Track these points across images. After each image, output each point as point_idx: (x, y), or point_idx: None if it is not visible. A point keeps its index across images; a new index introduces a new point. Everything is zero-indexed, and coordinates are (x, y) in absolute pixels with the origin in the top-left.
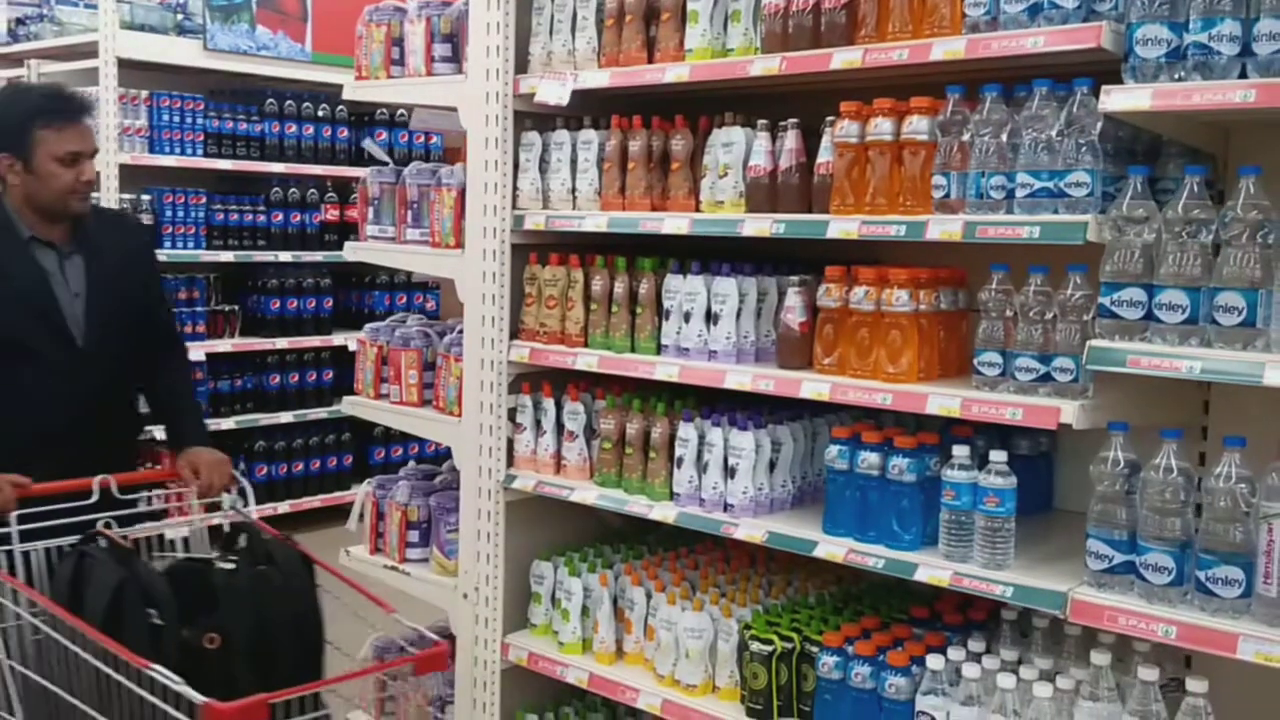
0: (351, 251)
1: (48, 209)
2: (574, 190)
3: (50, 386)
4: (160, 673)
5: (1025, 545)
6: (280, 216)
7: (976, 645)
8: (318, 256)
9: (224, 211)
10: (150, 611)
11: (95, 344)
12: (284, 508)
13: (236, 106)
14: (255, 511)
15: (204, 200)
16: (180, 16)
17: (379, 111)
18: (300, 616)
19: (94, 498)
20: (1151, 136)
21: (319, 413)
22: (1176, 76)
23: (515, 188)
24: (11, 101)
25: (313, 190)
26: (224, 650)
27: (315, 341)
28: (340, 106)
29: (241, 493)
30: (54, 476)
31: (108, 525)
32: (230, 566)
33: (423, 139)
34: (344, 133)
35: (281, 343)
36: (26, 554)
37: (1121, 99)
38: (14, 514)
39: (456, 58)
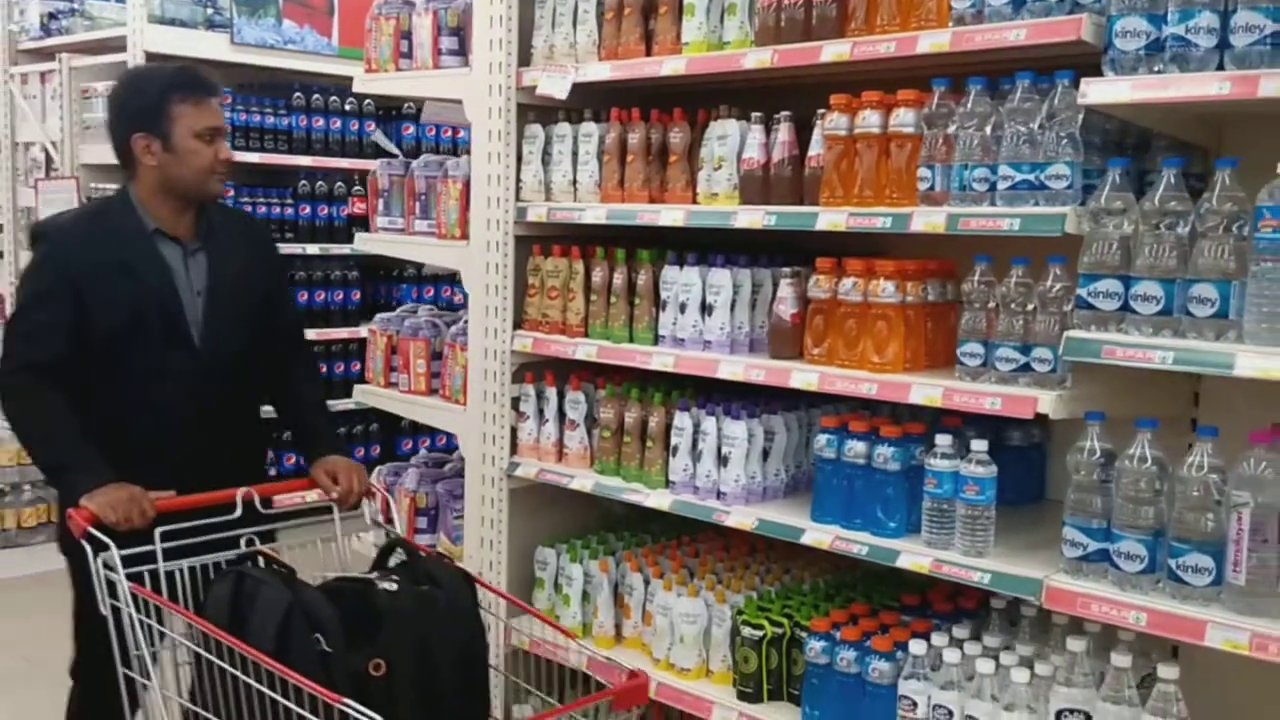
0: (362, 242)
1: (187, 191)
2: (575, 182)
3: (166, 388)
4: (354, 708)
5: (1011, 533)
6: (308, 209)
7: (961, 632)
8: (345, 249)
9: (252, 204)
10: (317, 637)
11: (214, 346)
12: (312, 496)
13: (264, 100)
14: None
15: (232, 193)
16: (210, 10)
17: (406, 105)
18: (466, 642)
19: (238, 512)
20: (1141, 130)
21: (346, 403)
22: (1156, 69)
23: (519, 180)
24: (144, 79)
25: (340, 183)
26: (388, 677)
27: (343, 333)
28: (367, 100)
29: (388, 511)
30: (172, 483)
31: (250, 541)
32: (392, 587)
33: (450, 133)
34: (371, 126)
35: (309, 334)
36: (170, 573)
37: (1101, 91)
38: (158, 531)
39: (463, 51)
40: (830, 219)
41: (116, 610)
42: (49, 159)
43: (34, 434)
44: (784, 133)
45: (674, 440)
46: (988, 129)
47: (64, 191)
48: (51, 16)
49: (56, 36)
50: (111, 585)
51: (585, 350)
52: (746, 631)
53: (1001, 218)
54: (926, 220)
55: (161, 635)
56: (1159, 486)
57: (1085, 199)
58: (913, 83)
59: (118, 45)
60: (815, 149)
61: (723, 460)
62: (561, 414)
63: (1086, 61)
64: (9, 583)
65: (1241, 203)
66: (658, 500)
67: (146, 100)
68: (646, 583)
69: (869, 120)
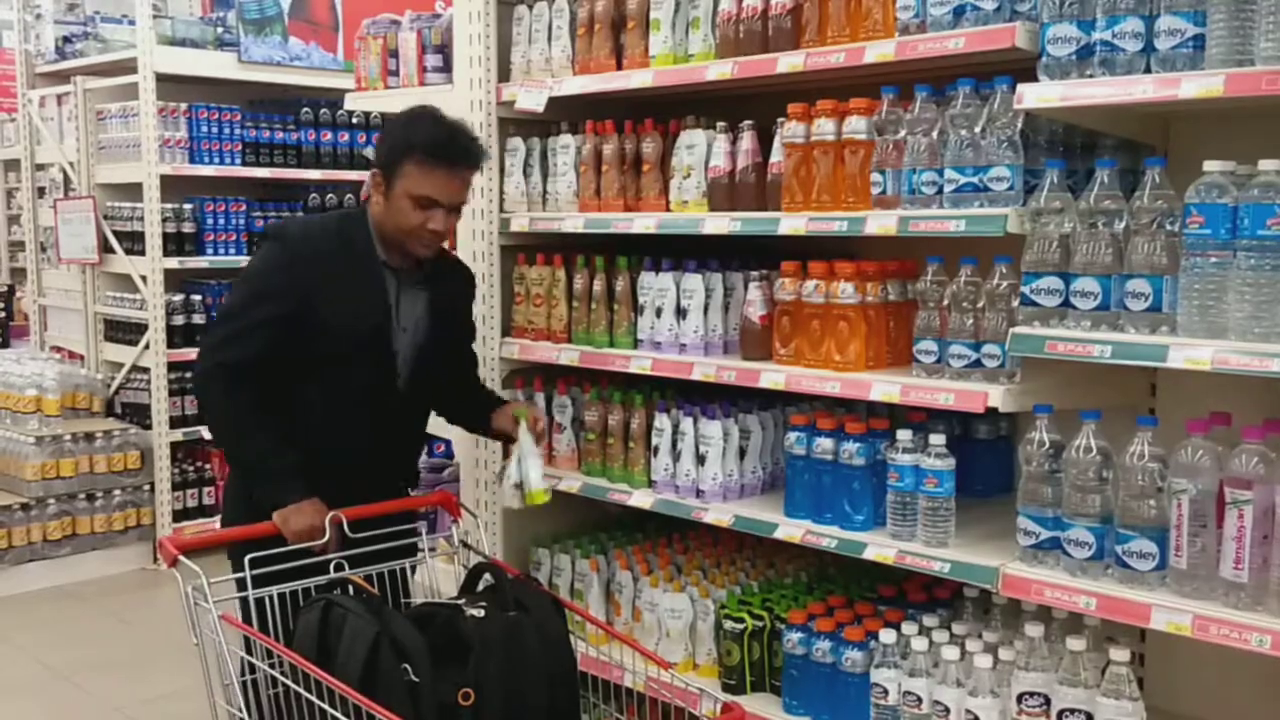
0: None
1: (389, 240)
2: (555, 193)
3: (360, 408)
4: None
5: (976, 524)
6: None
7: (931, 620)
8: None
9: (264, 219)
10: (404, 667)
11: (411, 376)
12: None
13: (273, 116)
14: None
15: (244, 208)
16: (220, 30)
17: None
18: (556, 670)
19: (326, 537)
20: (1089, 130)
21: None
22: (1087, 73)
23: (502, 191)
24: (403, 124)
25: (349, 195)
26: (477, 706)
27: None
28: (374, 114)
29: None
30: (339, 490)
31: (340, 566)
32: (480, 613)
33: None
34: (378, 139)
35: None
36: (260, 600)
37: (1035, 96)
38: (247, 558)
39: (447, 67)
40: (791, 224)
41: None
42: (67, 179)
43: (234, 431)
44: (747, 141)
45: (654, 441)
46: (934, 134)
47: (82, 211)
48: (66, 40)
49: (71, 59)
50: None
51: (569, 355)
52: (729, 625)
53: (948, 219)
54: (880, 224)
55: (252, 666)
56: (1105, 476)
57: (1028, 199)
58: (867, 90)
59: (130, 67)
60: (776, 156)
61: (700, 459)
62: (550, 418)
63: (1025, 67)
64: (34, 594)
65: (1171, 200)
66: (641, 499)
67: (390, 145)
68: (635, 580)
69: (824, 128)
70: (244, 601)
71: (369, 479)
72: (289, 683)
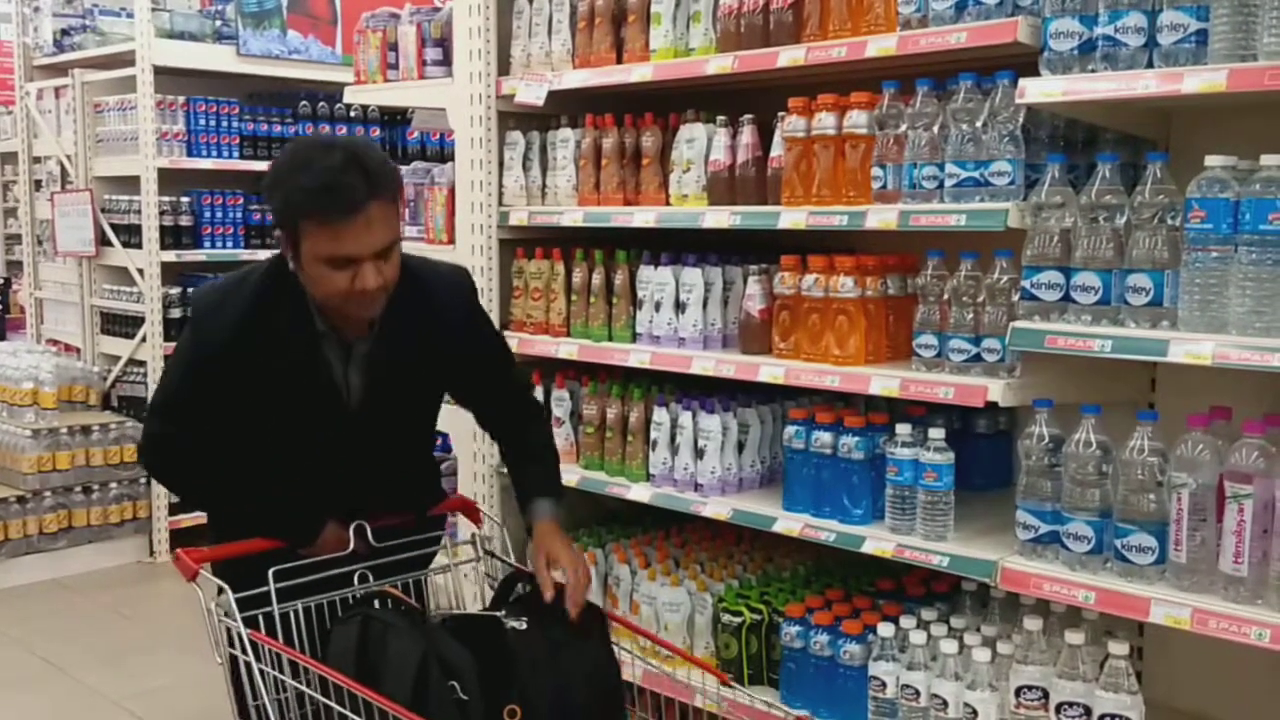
0: None
1: (323, 308)
2: (555, 186)
3: (315, 461)
4: None
5: (975, 518)
6: None
7: (929, 614)
8: None
9: (261, 212)
10: (452, 684)
11: (370, 430)
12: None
13: (271, 109)
14: None
15: (241, 201)
16: (218, 23)
17: (410, 111)
18: (602, 683)
19: (349, 547)
20: (1090, 125)
21: None
22: (1089, 68)
23: (501, 185)
24: (279, 182)
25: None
26: None
27: None
28: (372, 107)
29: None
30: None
31: (364, 576)
32: (522, 626)
33: (452, 137)
34: (376, 133)
35: None
36: (285, 614)
37: (1037, 90)
38: (271, 571)
39: (447, 61)
40: (791, 218)
41: (233, 659)
42: (64, 172)
43: (211, 503)
44: (747, 135)
45: (653, 434)
46: (935, 129)
47: (79, 204)
48: (64, 33)
49: (69, 52)
50: (227, 631)
51: (567, 349)
52: (726, 618)
53: (949, 214)
54: (880, 218)
55: (281, 684)
56: (1104, 470)
57: (1029, 194)
58: (868, 85)
59: (128, 60)
60: (776, 150)
61: (699, 453)
62: (548, 411)
63: (1027, 62)
64: (30, 587)
65: (1173, 195)
66: (639, 493)
67: (278, 206)
68: (633, 573)
69: (824, 122)
70: (267, 617)
71: (363, 514)
72: (329, 703)
